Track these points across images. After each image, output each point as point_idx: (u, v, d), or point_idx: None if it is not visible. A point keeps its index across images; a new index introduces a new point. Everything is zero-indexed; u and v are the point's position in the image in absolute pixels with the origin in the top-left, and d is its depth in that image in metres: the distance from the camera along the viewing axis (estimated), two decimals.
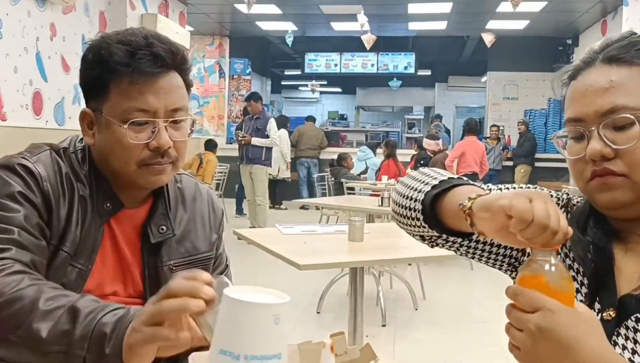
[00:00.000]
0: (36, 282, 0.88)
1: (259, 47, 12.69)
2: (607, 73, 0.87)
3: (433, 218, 0.92)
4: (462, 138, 7.81)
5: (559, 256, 0.90)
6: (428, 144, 7.29)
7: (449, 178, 0.93)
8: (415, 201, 0.94)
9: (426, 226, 0.93)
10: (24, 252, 0.95)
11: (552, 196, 1.01)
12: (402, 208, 0.98)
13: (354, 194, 6.60)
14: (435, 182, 0.93)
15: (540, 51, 10.69)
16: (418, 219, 0.94)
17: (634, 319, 0.82)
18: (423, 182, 0.95)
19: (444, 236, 0.96)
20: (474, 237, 0.98)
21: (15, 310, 0.83)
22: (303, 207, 9.62)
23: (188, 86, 1.12)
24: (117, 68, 1.03)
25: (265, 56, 13.84)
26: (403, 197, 0.98)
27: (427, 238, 1.01)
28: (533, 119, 10.74)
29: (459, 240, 0.99)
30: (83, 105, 1.13)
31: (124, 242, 1.11)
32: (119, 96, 1.04)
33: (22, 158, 1.05)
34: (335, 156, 8.48)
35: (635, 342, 0.81)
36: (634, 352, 0.81)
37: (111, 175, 1.10)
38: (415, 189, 0.95)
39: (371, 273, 4.41)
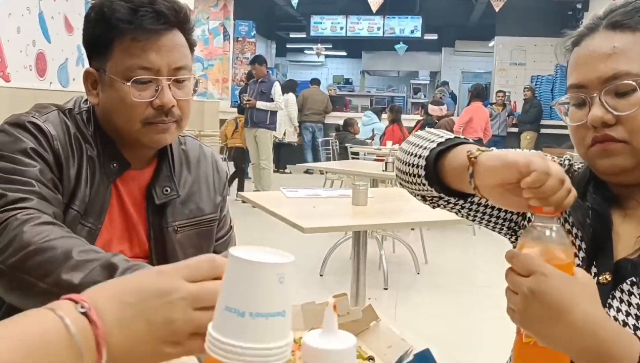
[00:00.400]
0: (67, 234, 0.90)
1: (264, 9, 12.52)
2: (611, 39, 0.86)
3: (434, 175, 0.92)
4: (468, 104, 7.75)
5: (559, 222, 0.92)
6: (433, 110, 7.26)
7: (455, 137, 0.93)
8: (420, 157, 0.94)
9: (426, 183, 0.94)
10: (45, 204, 0.97)
11: (553, 161, 1.02)
12: (405, 165, 0.98)
13: (358, 159, 6.60)
14: (441, 140, 0.93)
15: (549, 16, 10.52)
16: (420, 176, 0.94)
17: (629, 282, 0.84)
18: (429, 140, 0.95)
19: (445, 197, 0.97)
20: (470, 198, 0.99)
21: (45, 258, 0.85)
22: (307, 171, 9.64)
23: (191, 45, 1.12)
24: (119, 25, 1.04)
25: (271, 18, 13.66)
26: (408, 154, 0.98)
27: (428, 198, 1.02)
28: (540, 85, 10.63)
29: (461, 202, 1.00)
30: (87, 66, 1.13)
31: (129, 203, 1.13)
32: (122, 54, 1.05)
33: (32, 116, 1.05)
34: (339, 121, 8.45)
35: (630, 304, 0.83)
36: (627, 314, 0.82)
37: (116, 135, 1.11)
38: (421, 147, 0.95)
39: (374, 237, 4.45)
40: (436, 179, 0.92)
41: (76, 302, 0.51)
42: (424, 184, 0.95)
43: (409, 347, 0.84)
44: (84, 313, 0.50)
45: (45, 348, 0.49)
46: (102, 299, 0.52)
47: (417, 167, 0.95)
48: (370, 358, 0.88)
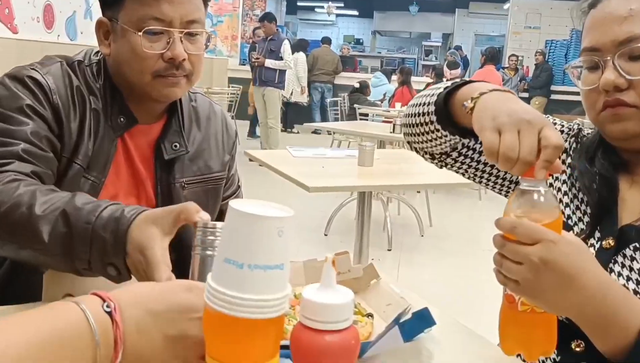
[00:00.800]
0: (29, 188, 0.90)
1: None
2: (628, 1, 0.85)
3: (446, 118, 0.92)
4: (481, 67, 7.64)
5: (549, 184, 0.91)
6: (451, 73, 7.15)
7: (460, 80, 0.93)
8: (429, 104, 0.94)
9: (440, 127, 0.93)
10: (25, 164, 0.96)
11: (562, 125, 1.02)
12: (415, 116, 0.98)
13: (367, 120, 6.57)
14: (448, 84, 0.93)
15: None
16: (432, 123, 0.94)
17: (632, 248, 0.84)
18: (436, 88, 0.95)
19: (454, 154, 0.97)
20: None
21: (16, 216, 0.86)
22: (315, 131, 9.61)
23: None
24: None
25: None
26: (416, 106, 0.98)
27: (437, 155, 1.02)
28: (554, 50, 10.45)
29: (467, 160, 1.00)
30: (95, 18, 1.12)
31: (138, 158, 1.13)
32: (135, 3, 1.04)
33: (32, 69, 1.05)
34: (348, 82, 8.38)
35: (631, 269, 0.83)
36: (628, 279, 0.83)
37: (126, 87, 1.10)
38: (429, 95, 0.96)
39: (379, 199, 4.46)
40: (449, 121, 0.92)
41: (103, 300, 0.54)
42: (437, 131, 0.94)
43: (407, 305, 0.84)
44: (109, 312, 0.53)
45: (62, 338, 0.51)
46: (128, 302, 0.54)
47: (428, 114, 0.94)
48: (370, 315, 0.89)
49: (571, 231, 0.90)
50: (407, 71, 7.92)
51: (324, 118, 9.47)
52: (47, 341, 0.50)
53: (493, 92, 0.80)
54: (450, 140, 0.95)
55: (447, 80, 6.82)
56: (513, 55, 9.99)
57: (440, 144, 0.98)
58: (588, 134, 0.98)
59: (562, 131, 1.01)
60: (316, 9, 16.56)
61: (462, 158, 1.02)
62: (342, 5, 15.37)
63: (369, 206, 2.91)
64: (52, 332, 0.51)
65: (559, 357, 0.88)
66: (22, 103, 1.00)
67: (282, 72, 6.94)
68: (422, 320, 0.83)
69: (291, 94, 9.27)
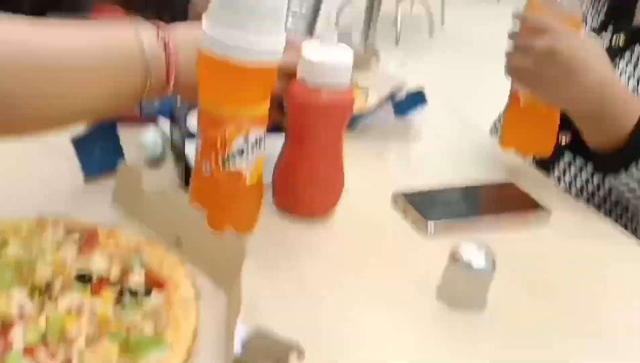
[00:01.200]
0: None
1: None
2: None
3: None
4: None
5: None
6: None
7: None
8: None
9: None
10: None
11: None
12: None
13: None
14: None
15: None
16: None
17: None
18: None
19: None
20: None
21: None
22: None
23: None
24: None
25: None
26: None
27: None
28: None
29: None
30: None
31: None
32: None
33: None
34: None
35: (635, 66, 0.82)
36: (630, 76, 0.83)
37: None
38: None
39: None
40: None
41: (159, 30, 0.53)
42: None
43: (403, 83, 0.85)
44: (165, 44, 0.52)
45: (114, 52, 0.51)
46: (183, 38, 0.54)
47: None
48: (365, 89, 0.90)
49: (585, 25, 0.88)
50: None
51: None
52: (102, 46, 0.50)
53: None
54: None
55: None
56: None
57: None
58: None
59: None
60: None
61: None
62: None
63: None
64: (107, 42, 0.51)
65: None
66: None
67: None
68: (415, 98, 0.84)
69: None
